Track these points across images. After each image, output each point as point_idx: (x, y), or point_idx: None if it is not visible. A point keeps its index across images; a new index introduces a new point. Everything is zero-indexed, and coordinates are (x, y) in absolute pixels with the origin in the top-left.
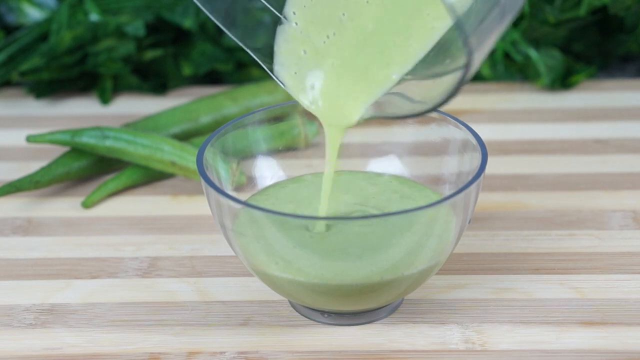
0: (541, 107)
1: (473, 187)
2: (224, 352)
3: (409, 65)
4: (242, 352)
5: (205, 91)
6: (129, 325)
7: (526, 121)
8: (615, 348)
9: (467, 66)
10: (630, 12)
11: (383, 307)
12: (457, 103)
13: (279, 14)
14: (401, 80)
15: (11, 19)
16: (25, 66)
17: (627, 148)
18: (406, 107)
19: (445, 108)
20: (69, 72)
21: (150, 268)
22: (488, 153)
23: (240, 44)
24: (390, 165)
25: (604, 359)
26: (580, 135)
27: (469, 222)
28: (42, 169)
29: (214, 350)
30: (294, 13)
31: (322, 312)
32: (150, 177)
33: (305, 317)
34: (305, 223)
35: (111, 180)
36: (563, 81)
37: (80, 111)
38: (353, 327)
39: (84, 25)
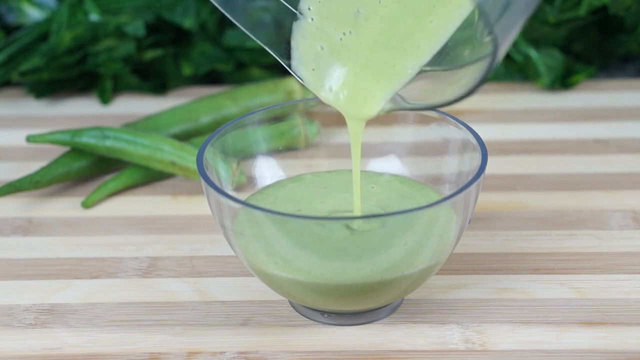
0: (541, 107)
1: (473, 187)
2: (224, 352)
3: (427, 57)
4: (242, 352)
5: (205, 91)
6: (129, 325)
7: (526, 121)
8: (615, 348)
9: (493, 54)
10: (630, 12)
11: (383, 307)
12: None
13: (294, 10)
14: (421, 73)
15: (11, 19)
16: (25, 66)
17: (627, 148)
18: (427, 99)
19: (444, 108)
20: (69, 72)
21: (150, 268)
22: (488, 153)
23: (258, 42)
24: (390, 165)
25: (604, 359)
26: (580, 135)
27: (469, 222)
28: (42, 169)
29: (214, 350)
30: (309, 9)
31: (322, 312)
32: (150, 177)
33: (305, 317)
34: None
35: (111, 180)
36: (563, 81)
37: (80, 111)
38: (353, 327)
39: (84, 25)
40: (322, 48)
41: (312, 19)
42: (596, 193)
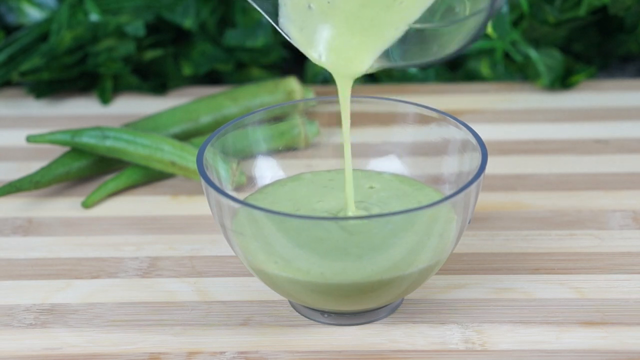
0: (541, 107)
1: (473, 186)
2: (224, 352)
3: (415, 14)
4: (242, 352)
5: (205, 91)
6: (129, 325)
7: (526, 121)
8: (615, 348)
9: (490, 6)
10: (630, 12)
11: (383, 307)
12: (457, 103)
13: None
14: (411, 30)
15: (11, 19)
16: (25, 66)
17: (627, 148)
18: (418, 56)
19: (444, 108)
20: (69, 72)
21: (150, 268)
22: (488, 153)
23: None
24: (390, 165)
25: (604, 359)
26: (580, 135)
27: (469, 222)
28: (42, 169)
29: (214, 350)
30: None
31: (322, 312)
32: (150, 177)
33: (305, 317)
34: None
35: (111, 180)
36: (563, 81)
37: (80, 111)
38: (353, 327)
39: (84, 25)
40: (310, 6)
41: None
42: (596, 193)
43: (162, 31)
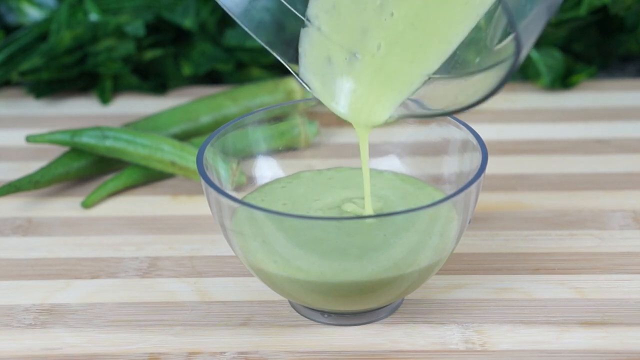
0: (541, 107)
1: (474, 186)
2: (224, 352)
3: (435, 66)
4: (242, 352)
5: (205, 91)
6: (129, 325)
7: (526, 121)
8: (615, 348)
9: (513, 61)
10: (630, 12)
11: (383, 307)
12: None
13: (302, 17)
14: (431, 80)
15: (11, 18)
16: (25, 66)
17: (627, 148)
18: (438, 105)
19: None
20: (69, 72)
21: (150, 268)
22: (488, 153)
23: (264, 46)
24: (391, 165)
25: (604, 359)
26: (580, 135)
27: (469, 221)
28: (42, 169)
29: (214, 350)
30: (317, 16)
31: (322, 313)
32: (150, 177)
33: (306, 317)
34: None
35: (111, 180)
36: (563, 81)
37: (80, 111)
38: (353, 327)
39: (84, 25)
40: (330, 59)
41: (320, 29)
42: (596, 193)
43: (162, 31)
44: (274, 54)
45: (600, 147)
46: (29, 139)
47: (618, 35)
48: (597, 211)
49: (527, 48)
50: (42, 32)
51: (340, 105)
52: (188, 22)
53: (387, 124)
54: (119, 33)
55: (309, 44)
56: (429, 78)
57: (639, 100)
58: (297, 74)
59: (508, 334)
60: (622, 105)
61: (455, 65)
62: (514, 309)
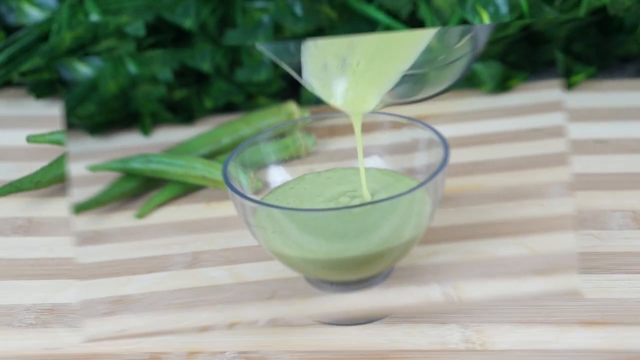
0: (486, 107)
1: (440, 174)
2: (224, 352)
3: (408, 64)
4: (242, 352)
5: (224, 119)
6: (180, 307)
7: (476, 119)
8: (615, 348)
9: (471, 54)
10: (630, 12)
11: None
12: (423, 110)
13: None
14: (406, 75)
15: (12, 19)
16: (25, 66)
17: (627, 148)
18: (413, 94)
19: (414, 113)
20: (117, 114)
21: (194, 261)
22: (449, 147)
23: (286, 68)
24: (374, 163)
25: (604, 359)
26: (579, 135)
27: (439, 202)
28: (43, 169)
29: (214, 350)
30: (312, 47)
31: (331, 283)
32: (187, 190)
33: (318, 288)
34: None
35: (156, 195)
36: (502, 85)
37: (127, 143)
38: (353, 327)
39: (84, 26)
40: (327, 65)
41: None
42: (596, 193)
43: (162, 31)
44: (283, 65)
45: (600, 147)
46: (29, 139)
47: (618, 36)
48: (597, 211)
49: (480, 45)
50: (42, 33)
51: (337, 100)
52: (188, 23)
53: (374, 111)
54: (120, 33)
55: (309, 57)
56: (405, 75)
57: (638, 100)
58: (302, 79)
59: (508, 334)
60: (622, 105)
61: (423, 64)
62: (514, 308)
